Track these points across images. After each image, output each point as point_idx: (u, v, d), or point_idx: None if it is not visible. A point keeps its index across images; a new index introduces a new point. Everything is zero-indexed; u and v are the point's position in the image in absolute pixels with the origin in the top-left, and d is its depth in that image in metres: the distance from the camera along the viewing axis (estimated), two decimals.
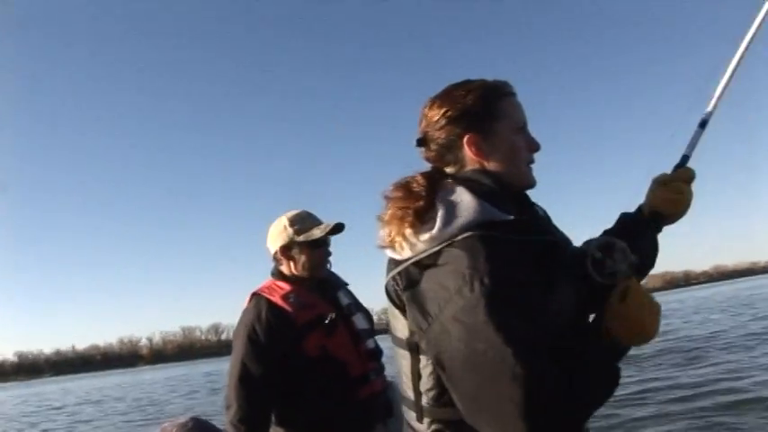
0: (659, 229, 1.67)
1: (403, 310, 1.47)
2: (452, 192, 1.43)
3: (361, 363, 2.65)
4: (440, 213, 1.39)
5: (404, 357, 1.52)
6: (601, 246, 1.47)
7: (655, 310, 1.34)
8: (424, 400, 1.47)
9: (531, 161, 1.54)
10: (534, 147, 1.54)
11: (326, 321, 2.63)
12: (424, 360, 1.45)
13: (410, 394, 1.51)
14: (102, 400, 33.73)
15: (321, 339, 2.60)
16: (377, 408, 2.63)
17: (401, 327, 1.50)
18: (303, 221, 2.77)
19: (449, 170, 1.54)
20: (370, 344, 2.73)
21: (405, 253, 1.44)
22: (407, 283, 1.42)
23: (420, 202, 1.44)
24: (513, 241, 1.34)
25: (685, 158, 1.68)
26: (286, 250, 2.74)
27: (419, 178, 1.49)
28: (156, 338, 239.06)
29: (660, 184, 1.63)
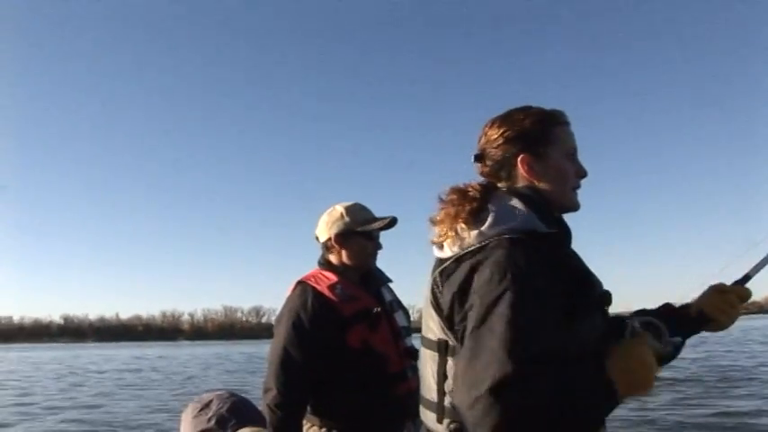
0: (698, 331, 1.73)
1: (439, 310, 1.56)
2: (506, 198, 1.57)
3: (399, 359, 2.67)
4: (492, 212, 1.53)
5: (431, 358, 1.61)
6: (644, 323, 1.55)
7: (652, 365, 1.37)
8: (447, 401, 1.54)
9: (578, 186, 1.67)
10: (582, 173, 1.67)
11: (374, 311, 2.66)
12: (451, 361, 1.52)
13: (433, 396, 1.59)
14: (142, 369, 34.48)
15: (364, 333, 2.62)
16: (411, 405, 2.64)
17: (435, 327, 1.59)
18: (361, 212, 2.80)
19: (500, 185, 1.67)
20: (408, 341, 2.75)
21: (453, 249, 1.57)
22: (447, 279, 1.53)
23: (475, 203, 1.57)
24: (551, 254, 1.45)
25: (746, 278, 1.73)
26: (340, 238, 2.75)
27: (475, 185, 1.64)
28: (198, 315, 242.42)
29: (717, 291, 1.69)
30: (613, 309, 1.66)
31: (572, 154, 1.66)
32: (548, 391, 1.26)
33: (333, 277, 2.72)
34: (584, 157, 1.69)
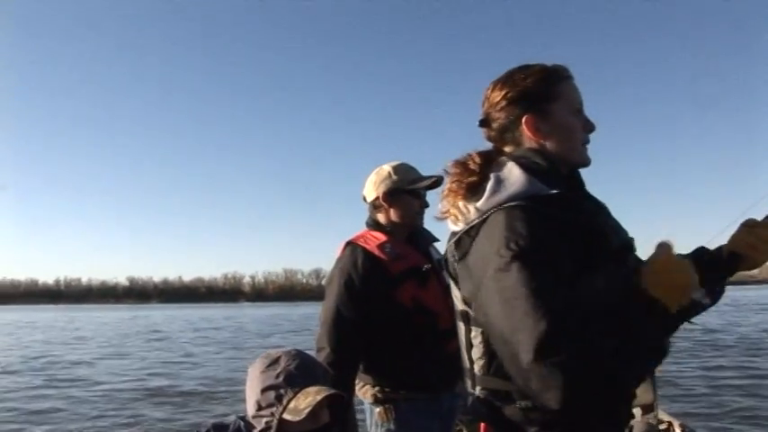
0: (734, 271, 1.62)
1: (456, 282, 1.58)
2: (503, 167, 1.54)
3: (450, 316, 2.47)
4: (489, 185, 1.50)
5: (459, 328, 1.62)
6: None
7: (684, 262, 1.35)
8: (476, 369, 1.55)
9: (587, 141, 1.62)
10: (590, 127, 1.62)
11: (423, 270, 2.65)
12: (474, 330, 1.54)
13: (465, 363, 1.60)
14: (205, 329, 35.29)
15: (415, 290, 2.62)
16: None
17: (456, 298, 1.60)
18: (408, 171, 2.79)
19: (507, 149, 1.63)
20: None
21: (459, 224, 1.55)
22: (460, 255, 1.52)
23: (474, 177, 1.55)
24: (554, 216, 1.41)
25: None
26: (389, 196, 2.75)
27: (475, 156, 1.60)
28: (259, 277, 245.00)
29: (746, 227, 1.58)
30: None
31: (578, 109, 1.61)
32: (593, 333, 1.25)
33: (381, 236, 2.72)
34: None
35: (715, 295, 1.62)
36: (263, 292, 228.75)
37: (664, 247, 1.39)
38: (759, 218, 1.60)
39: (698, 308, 1.45)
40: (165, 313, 76.56)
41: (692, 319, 1.46)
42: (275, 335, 29.11)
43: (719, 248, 1.64)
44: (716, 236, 1.64)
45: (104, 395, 12.51)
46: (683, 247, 1.47)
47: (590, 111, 1.63)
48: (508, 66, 1.65)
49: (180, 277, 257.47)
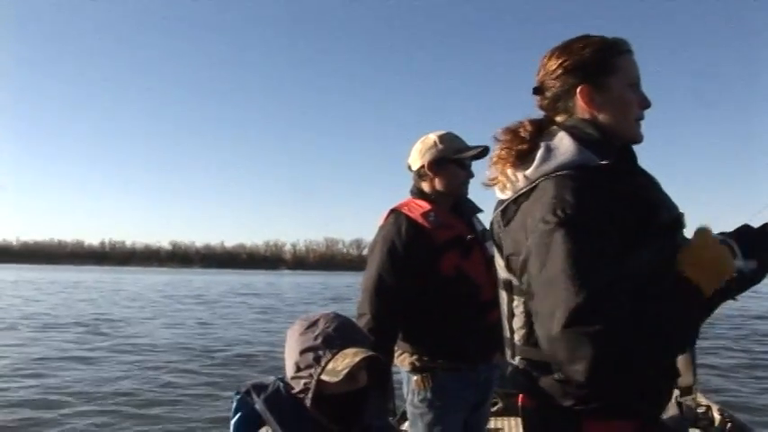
0: None
1: (500, 251, 1.58)
2: (555, 136, 1.52)
3: (493, 287, 2.41)
4: (539, 154, 1.49)
5: (501, 297, 1.63)
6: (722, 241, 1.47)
7: (722, 247, 1.39)
8: (516, 338, 1.55)
9: (641, 117, 1.58)
10: (645, 104, 1.58)
11: (467, 240, 2.63)
12: (516, 299, 1.54)
13: (507, 333, 1.61)
14: (245, 295, 35.83)
15: (458, 260, 2.60)
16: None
17: (500, 267, 1.61)
18: (454, 140, 2.76)
19: (559, 119, 1.59)
20: None
21: (507, 192, 1.56)
22: (506, 221, 1.52)
23: (524, 144, 1.54)
24: (604, 186, 1.39)
25: None
26: (434, 165, 2.72)
27: (527, 124, 1.58)
28: (300, 245, 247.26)
29: None
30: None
31: (635, 84, 1.57)
32: (625, 310, 1.24)
33: (426, 205, 2.70)
34: None
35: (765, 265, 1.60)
36: (303, 261, 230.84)
37: (702, 232, 1.41)
38: None
39: (744, 281, 1.48)
40: (207, 278, 78.04)
41: (741, 295, 1.47)
42: (314, 303, 29.43)
43: (764, 226, 1.62)
44: (755, 214, 1.62)
45: (148, 354, 12.85)
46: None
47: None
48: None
49: (222, 243, 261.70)
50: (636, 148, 1.56)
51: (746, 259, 1.46)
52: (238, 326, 18.61)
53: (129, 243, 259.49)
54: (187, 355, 12.96)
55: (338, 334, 1.85)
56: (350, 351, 1.80)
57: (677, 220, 1.56)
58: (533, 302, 1.38)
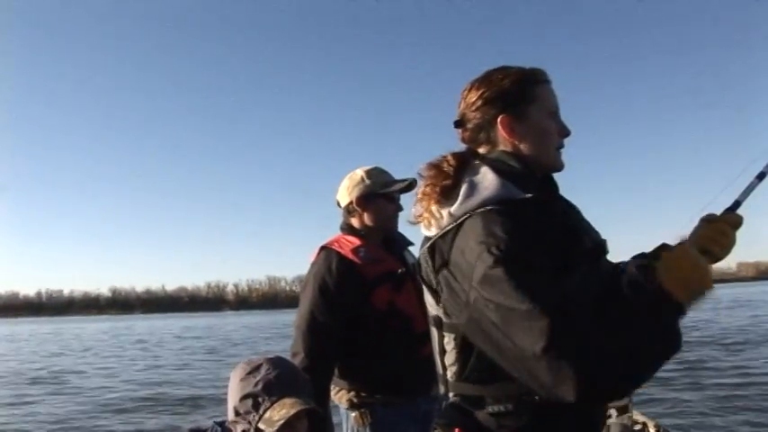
0: None
1: (430, 288, 1.55)
2: (477, 171, 1.52)
3: (425, 320, 2.40)
4: (462, 190, 1.48)
5: (432, 333, 1.62)
6: (639, 266, 1.47)
7: (702, 260, 1.40)
8: (449, 374, 1.55)
9: (561, 146, 1.62)
10: (565, 132, 1.61)
11: (398, 274, 2.63)
12: (447, 336, 1.53)
13: (439, 368, 1.60)
14: (187, 339, 35.29)
15: (390, 294, 2.61)
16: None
17: (431, 305, 1.59)
18: (381, 174, 2.78)
19: (481, 150, 1.62)
20: None
21: (432, 229, 1.53)
22: (440, 263, 1.49)
23: (448, 180, 1.53)
24: (528, 218, 1.40)
25: (736, 204, 1.62)
26: (362, 200, 2.74)
27: (450, 158, 1.58)
28: (243, 285, 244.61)
29: (706, 222, 1.58)
30: (614, 258, 1.65)
31: (554, 113, 1.60)
32: (587, 321, 1.26)
33: (356, 241, 2.71)
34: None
35: None
36: (246, 300, 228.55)
37: (686, 249, 1.42)
38: (718, 212, 1.60)
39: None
40: (149, 324, 76.45)
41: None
42: (257, 342, 29.14)
43: (681, 245, 1.63)
44: (676, 232, 1.63)
45: (90, 404, 12.53)
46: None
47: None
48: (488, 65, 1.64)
49: (163, 286, 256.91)
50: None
51: None
52: (181, 370, 18.28)
53: (66, 291, 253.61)
54: (129, 401, 12.68)
55: (279, 381, 1.85)
56: (288, 401, 1.80)
57: (600, 246, 1.60)
58: (494, 343, 1.35)
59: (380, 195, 2.74)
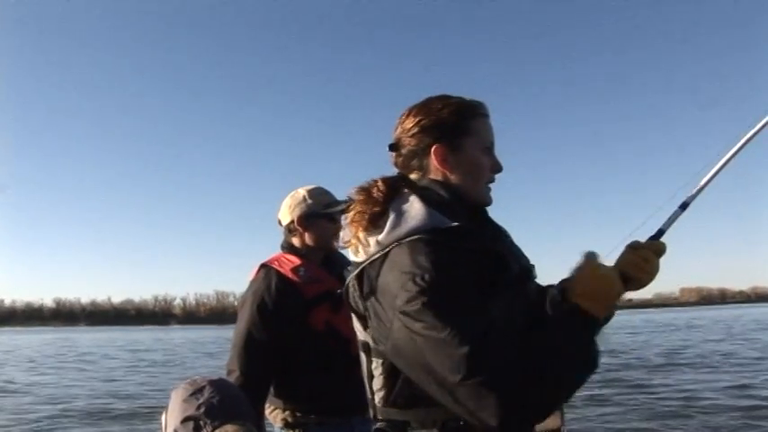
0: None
1: (357, 314, 1.57)
2: (406, 200, 1.52)
3: None
4: (390, 218, 1.49)
5: (360, 358, 1.63)
6: (560, 288, 1.58)
7: (608, 270, 1.45)
8: (377, 399, 1.56)
9: (492, 180, 1.65)
10: (497, 168, 1.64)
11: (338, 293, 2.55)
12: (375, 362, 1.55)
13: (368, 393, 1.61)
14: (132, 353, 34.68)
15: (327, 314, 2.61)
16: None
17: (359, 330, 1.61)
18: (323, 195, 2.80)
19: (413, 176, 1.64)
20: None
21: (360, 255, 1.54)
22: (368, 290, 1.49)
23: (377, 207, 1.53)
24: (454, 246, 1.41)
25: (660, 233, 1.68)
26: (304, 220, 2.76)
27: (380, 184, 1.58)
28: (190, 299, 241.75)
29: (631, 249, 1.62)
30: (545, 281, 1.71)
31: (489, 148, 1.63)
32: (510, 349, 1.29)
33: (296, 260, 2.72)
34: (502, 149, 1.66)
35: (610, 315, 1.65)
36: (194, 315, 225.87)
37: (589, 257, 1.47)
38: (643, 239, 1.65)
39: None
40: (93, 336, 75.06)
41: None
42: (202, 357, 28.79)
43: (589, 259, 1.69)
44: (604, 258, 1.64)
45: (31, 419, 12.21)
46: None
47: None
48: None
49: (109, 298, 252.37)
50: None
51: None
52: (123, 385, 17.95)
53: (8, 301, 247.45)
54: (72, 417, 12.40)
55: (222, 406, 1.83)
56: (230, 428, 1.77)
57: (527, 271, 1.63)
58: (417, 372, 1.37)
59: (322, 216, 2.75)
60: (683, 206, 1.71)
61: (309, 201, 2.77)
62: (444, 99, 1.63)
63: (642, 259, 1.58)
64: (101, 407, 13.41)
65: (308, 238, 2.78)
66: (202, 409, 1.79)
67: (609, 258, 1.61)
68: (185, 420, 1.78)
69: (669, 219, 1.71)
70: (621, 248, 1.63)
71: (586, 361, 1.35)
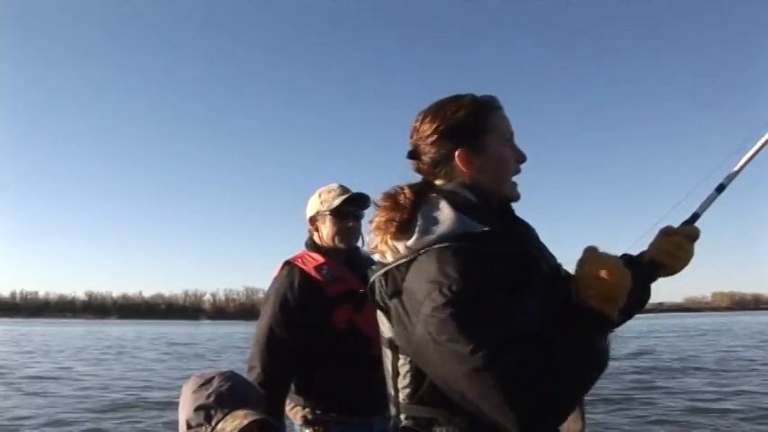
0: (653, 279, 1.68)
1: (385, 312, 1.54)
2: (434, 205, 1.50)
3: None
4: (419, 224, 1.47)
5: (386, 356, 1.60)
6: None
7: (613, 263, 1.40)
8: (401, 397, 1.54)
9: (518, 171, 1.61)
10: (521, 158, 1.61)
11: (360, 292, 2.56)
12: (402, 359, 1.52)
13: (391, 391, 1.59)
14: (161, 347, 35.04)
15: (350, 313, 2.62)
16: None
17: (385, 327, 1.58)
18: (330, 192, 2.81)
19: (439, 182, 1.60)
20: None
21: (388, 257, 1.52)
22: (393, 290, 1.48)
23: (404, 214, 1.51)
24: (484, 252, 1.39)
25: (695, 217, 1.66)
26: (314, 220, 2.82)
27: (407, 191, 1.56)
28: (220, 295, 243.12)
29: (664, 235, 1.62)
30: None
31: (509, 139, 1.60)
32: (527, 359, 1.29)
33: (319, 258, 2.74)
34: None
35: (642, 302, 1.67)
36: (223, 310, 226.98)
37: (591, 254, 1.43)
38: (676, 224, 1.63)
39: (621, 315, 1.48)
40: (124, 329, 75.92)
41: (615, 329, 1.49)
42: (230, 352, 29.03)
43: (641, 254, 1.70)
44: (634, 243, 1.67)
45: (63, 407, 12.43)
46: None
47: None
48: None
49: (140, 292, 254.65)
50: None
51: None
52: (156, 374, 18.25)
53: (41, 293, 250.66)
54: (102, 406, 12.62)
55: (231, 394, 1.86)
56: (240, 413, 1.79)
57: (556, 271, 1.60)
58: (437, 378, 1.39)
59: (329, 213, 2.77)
60: (720, 188, 1.67)
61: (320, 199, 2.81)
62: (456, 100, 1.60)
63: (675, 246, 1.58)
64: (138, 395, 13.74)
65: (321, 236, 2.81)
66: (212, 398, 1.82)
67: (640, 245, 1.62)
68: (196, 410, 1.82)
69: (705, 202, 1.67)
70: (654, 233, 1.62)
71: (600, 363, 1.35)
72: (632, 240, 1.64)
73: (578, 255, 1.45)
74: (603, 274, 1.37)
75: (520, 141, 1.62)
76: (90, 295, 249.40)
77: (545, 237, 1.66)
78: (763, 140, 1.66)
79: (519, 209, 1.65)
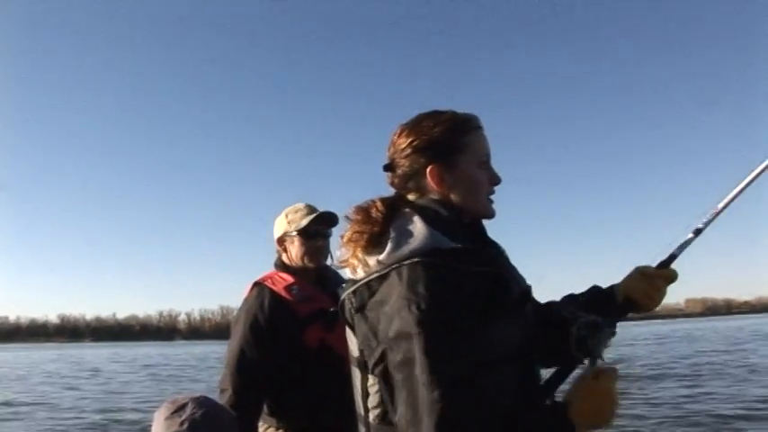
0: (625, 315, 1.69)
1: (353, 328, 1.54)
2: (407, 219, 1.49)
3: None
4: (391, 238, 1.46)
5: (355, 375, 1.60)
6: (588, 325, 1.51)
7: (616, 400, 1.41)
8: (371, 417, 1.53)
9: (492, 193, 1.61)
10: (495, 180, 1.60)
11: (331, 311, 2.56)
12: (371, 379, 1.51)
13: (360, 411, 1.59)
14: (135, 369, 34.69)
15: (321, 333, 2.60)
16: None
17: (354, 346, 1.58)
18: (297, 212, 2.80)
19: (411, 197, 1.60)
20: None
21: (358, 274, 1.51)
22: (359, 305, 1.48)
23: (376, 227, 1.50)
24: (455, 269, 1.38)
25: (672, 258, 1.68)
26: (282, 241, 2.80)
27: (379, 204, 1.56)
28: (195, 315, 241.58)
29: (643, 275, 1.64)
30: (546, 296, 1.72)
31: (484, 162, 1.59)
32: (484, 410, 1.30)
33: (289, 278, 2.72)
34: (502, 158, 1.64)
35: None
36: (198, 330, 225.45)
37: (605, 377, 1.43)
38: (653, 264, 1.66)
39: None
40: (98, 352, 75.14)
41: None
42: (205, 372, 28.79)
43: (612, 289, 1.71)
44: (610, 278, 1.71)
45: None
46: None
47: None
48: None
49: (114, 314, 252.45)
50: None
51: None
52: (131, 398, 18.04)
53: (12, 317, 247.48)
54: (81, 427, 12.61)
55: (204, 420, 1.84)
56: None
57: (525, 294, 1.60)
58: (398, 394, 1.37)
59: (297, 234, 2.75)
60: (697, 232, 1.70)
61: (285, 220, 2.80)
62: (435, 116, 1.60)
63: (653, 288, 1.62)
64: (113, 417, 13.62)
65: (289, 256, 2.80)
66: (186, 425, 1.80)
67: (616, 278, 1.63)
68: None
69: (682, 244, 1.71)
70: (627, 269, 1.65)
71: None
72: (603, 272, 1.62)
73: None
74: (600, 412, 1.39)
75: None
76: (63, 318, 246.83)
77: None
78: (735, 191, 1.69)
79: (495, 224, 1.66)
